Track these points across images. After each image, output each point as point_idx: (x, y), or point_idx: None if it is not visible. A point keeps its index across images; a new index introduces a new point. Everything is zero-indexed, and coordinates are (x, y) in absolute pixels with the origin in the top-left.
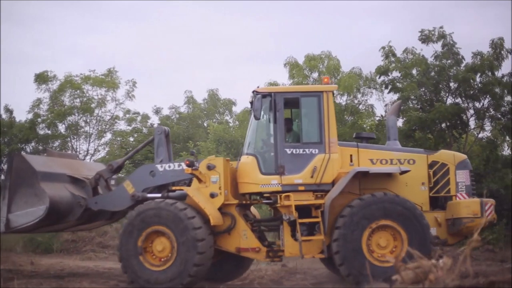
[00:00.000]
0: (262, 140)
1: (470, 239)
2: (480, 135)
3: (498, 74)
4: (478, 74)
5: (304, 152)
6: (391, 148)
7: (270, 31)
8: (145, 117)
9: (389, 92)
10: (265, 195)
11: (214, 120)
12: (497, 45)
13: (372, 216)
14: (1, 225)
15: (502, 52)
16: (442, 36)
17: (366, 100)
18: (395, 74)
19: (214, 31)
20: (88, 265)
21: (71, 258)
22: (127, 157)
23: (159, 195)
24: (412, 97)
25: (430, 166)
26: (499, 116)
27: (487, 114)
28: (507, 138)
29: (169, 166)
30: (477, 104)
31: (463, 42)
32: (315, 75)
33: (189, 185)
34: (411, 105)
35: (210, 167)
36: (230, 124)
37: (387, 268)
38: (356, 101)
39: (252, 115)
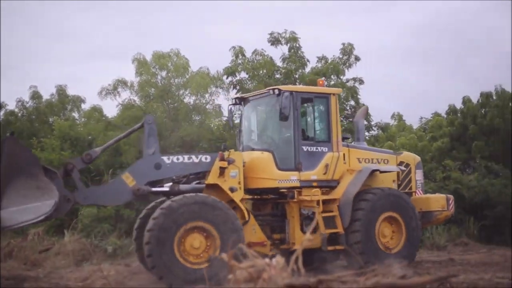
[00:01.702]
0: (276, 137)
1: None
2: None
3: (344, 78)
4: (324, 78)
5: (317, 150)
6: (371, 149)
7: (118, 26)
8: None
9: (236, 93)
10: (281, 190)
11: (61, 116)
12: (346, 50)
13: (383, 208)
14: None
15: (351, 58)
16: (292, 39)
17: (214, 100)
18: (243, 75)
19: (62, 24)
20: None
21: None
22: (105, 146)
23: (165, 189)
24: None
25: (398, 165)
26: (342, 119)
27: None
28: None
29: (177, 159)
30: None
31: (314, 46)
32: (164, 73)
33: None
34: None
35: (229, 161)
36: (77, 122)
37: (392, 255)
38: (203, 101)
39: (252, 111)
